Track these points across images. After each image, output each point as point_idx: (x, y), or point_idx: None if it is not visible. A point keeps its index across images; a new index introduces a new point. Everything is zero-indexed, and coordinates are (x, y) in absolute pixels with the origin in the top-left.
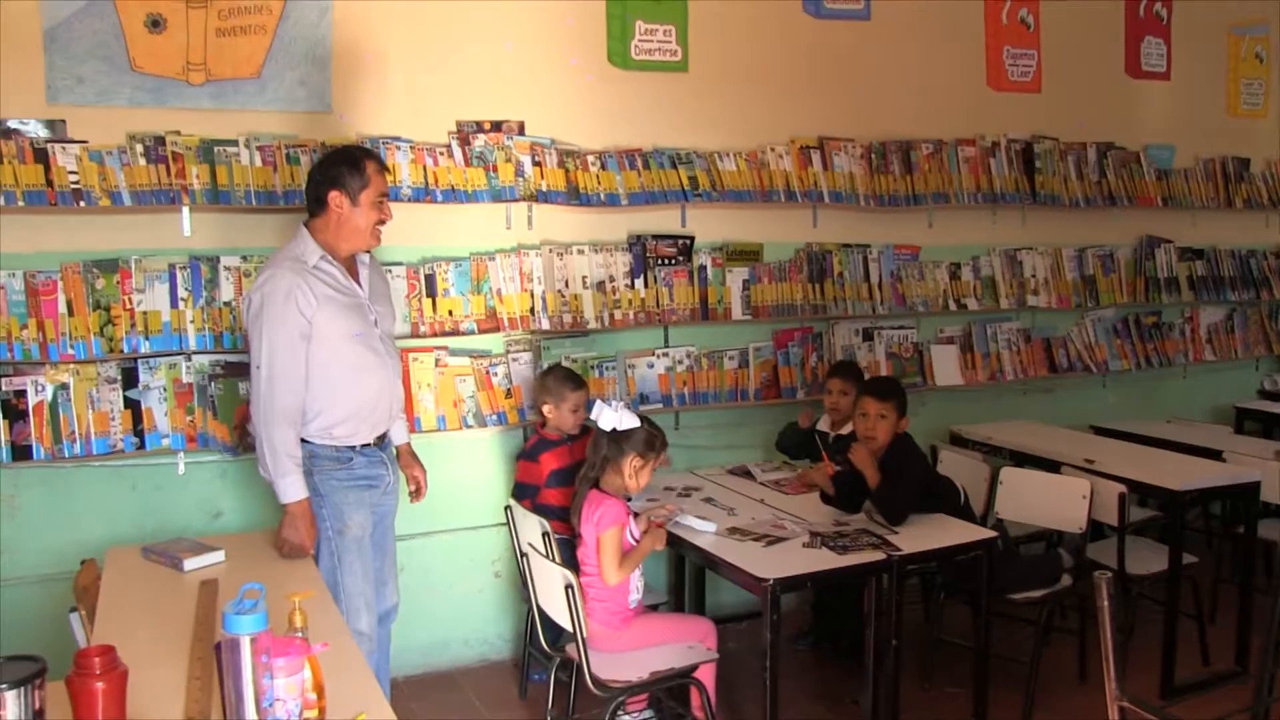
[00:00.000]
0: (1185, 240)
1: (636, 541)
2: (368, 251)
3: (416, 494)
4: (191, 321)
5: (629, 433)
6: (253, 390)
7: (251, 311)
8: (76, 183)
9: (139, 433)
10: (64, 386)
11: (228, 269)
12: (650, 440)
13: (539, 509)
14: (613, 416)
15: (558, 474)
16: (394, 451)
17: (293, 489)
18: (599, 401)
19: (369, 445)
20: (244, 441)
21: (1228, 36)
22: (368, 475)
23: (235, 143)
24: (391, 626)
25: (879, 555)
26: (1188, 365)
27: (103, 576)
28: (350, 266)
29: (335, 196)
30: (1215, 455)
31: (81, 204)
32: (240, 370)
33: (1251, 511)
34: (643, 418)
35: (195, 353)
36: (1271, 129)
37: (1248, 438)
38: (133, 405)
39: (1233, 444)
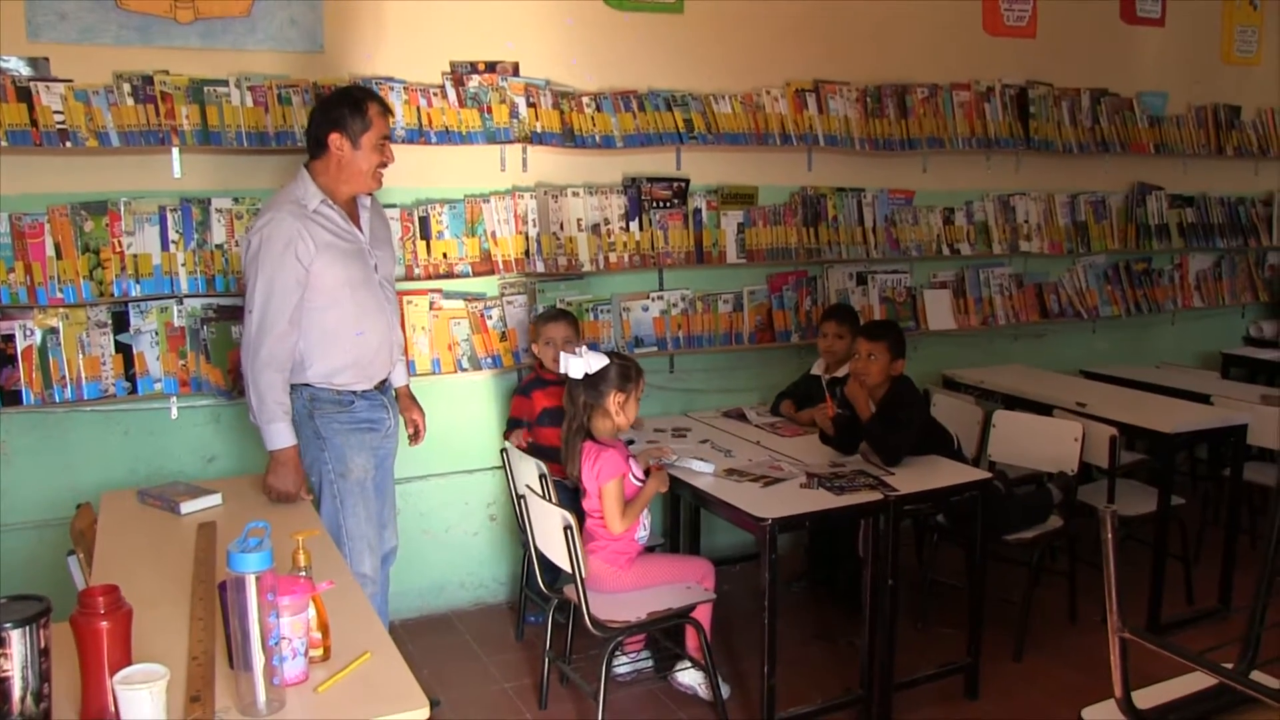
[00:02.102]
0: (1176, 187)
1: (640, 483)
2: (369, 194)
3: (415, 437)
4: (183, 264)
5: (601, 373)
6: (244, 334)
7: (249, 254)
8: (62, 123)
9: (131, 377)
10: (53, 331)
11: (219, 211)
12: (625, 372)
13: (534, 449)
14: (580, 364)
15: (550, 412)
16: (394, 394)
17: (280, 436)
18: (562, 354)
19: (370, 390)
20: (239, 385)
21: None
22: (369, 418)
23: (225, 83)
24: (390, 569)
25: (876, 495)
26: (1176, 311)
27: (99, 520)
28: (351, 209)
29: (336, 139)
30: (1204, 399)
31: (68, 144)
32: (233, 314)
33: (1239, 454)
34: (609, 354)
35: (187, 296)
36: (1264, 76)
37: (1234, 383)
38: (124, 349)
39: (1220, 388)
